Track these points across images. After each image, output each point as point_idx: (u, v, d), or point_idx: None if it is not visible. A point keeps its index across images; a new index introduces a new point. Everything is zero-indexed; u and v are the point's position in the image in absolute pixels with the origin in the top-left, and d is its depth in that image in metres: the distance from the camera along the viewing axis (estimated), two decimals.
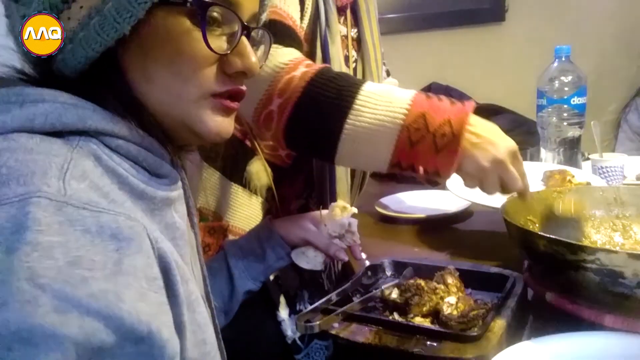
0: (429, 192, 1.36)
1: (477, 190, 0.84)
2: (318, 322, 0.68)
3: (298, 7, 0.92)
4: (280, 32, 0.85)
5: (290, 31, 0.87)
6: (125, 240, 0.41)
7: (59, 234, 0.38)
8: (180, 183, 0.56)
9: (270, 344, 0.95)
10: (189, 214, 0.61)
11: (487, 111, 2.17)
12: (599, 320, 0.66)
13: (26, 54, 0.49)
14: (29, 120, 0.44)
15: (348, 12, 1.05)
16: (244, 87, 0.55)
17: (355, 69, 1.08)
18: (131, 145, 0.48)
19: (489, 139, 0.79)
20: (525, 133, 1.89)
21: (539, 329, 0.71)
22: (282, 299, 0.98)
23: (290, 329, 0.95)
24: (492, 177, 0.79)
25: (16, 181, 0.40)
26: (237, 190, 0.99)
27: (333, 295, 0.76)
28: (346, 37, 1.05)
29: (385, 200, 1.33)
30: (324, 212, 0.88)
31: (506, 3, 2.42)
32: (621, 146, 2.34)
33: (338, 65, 0.97)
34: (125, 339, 0.40)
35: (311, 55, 0.93)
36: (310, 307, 0.73)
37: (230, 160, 0.99)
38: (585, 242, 0.87)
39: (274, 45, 0.77)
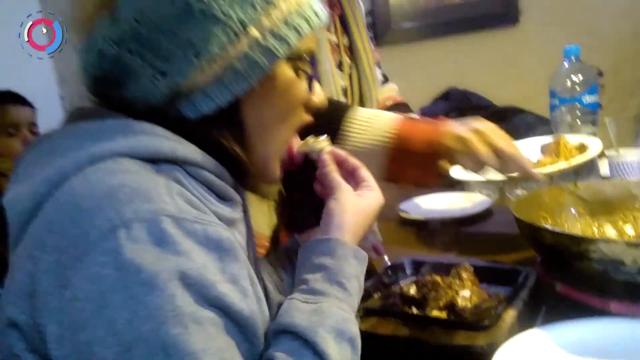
0: (447, 195, 1.41)
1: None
2: None
3: None
4: None
5: None
6: (224, 250, 0.50)
7: (186, 244, 0.48)
8: (241, 207, 0.65)
9: None
10: (248, 235, 0.69)
11: (506, 113, 2.20)
12: (605, 307, 0.70)
13: (144, 97, 0.57)
14: (132, 148, 0.52)
15: (337, 21, 1.14)
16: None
17: (350, 75, 1.16)
18: (206, 172, 0.57)
19: (457, 127, 0.88)
20: (544, 133, 1.91)
21: (551, 319, 0.75)
22: None
23: None
24: (477, 143, 0.86)
25: (139, 199, 0.48)
26: (248, 197, 1.06)
27: None
28: (338, 45, 1.13)
29: (403, 205, 1.38)
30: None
31: (519, 6, 2.44)
32: None
33: (328, 67, 1.07)
34: (233, 323, 0.50)
35: None
36: None
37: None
38: (594, 234, 0.91)
39: None
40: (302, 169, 1.07)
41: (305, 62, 0.61)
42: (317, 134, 0.84)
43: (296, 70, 0.61)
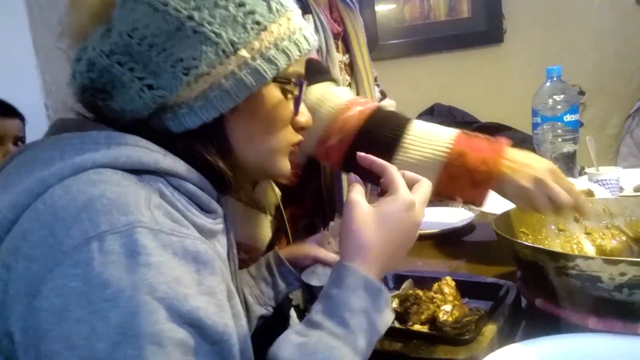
0: (432, 209, 1.42)
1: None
2: None
3: None
4: (315, 70, 0.93)
5: (320, 65, 0.98)
6: (202, 262, 0.50)
7: (160, 255, 0.47)
8: (222, 218, 0.65)
9: None
10: (229, 245, 0.70)
11: (490, 129, 2.23)
12: (583, 322, 0.71)
13: (130, 109, 0.58)
14: (115, 159, 0.53)
15: (339, 39, 1.15)
16: (302, 138, 0.69)
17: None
18: (189, 184, 0.57)
19: (526, 163, 0.87)
20: (527, 150, 1.94)
21: (530, 333, 0.76)
22: (292, 312, 1.03)
23: None
24: (538, 196, 0.86)
25: (117, 211, 0.48)
26: (245, 210, 1.06)
27: None
28: (340, 62, 1.14)
29: None
30: (330, 227, 0.93)
31: (504, 25, 2.49)
32: (624, 161, 2.33)
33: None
34: (206, 341, 0.48)
35: None
36: None
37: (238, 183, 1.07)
38: (573, 251, 0.93)
39: (326, 84, 0.92)
40: (299, 185, 1.09)
41: (293, 85, 0.63)
42: (379, 146, 0.86)
43: (284, 92, 0.62)
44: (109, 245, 0.46)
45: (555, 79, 1.36)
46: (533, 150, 1.46)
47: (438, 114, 2.43)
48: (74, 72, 0.60)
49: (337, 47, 1.14)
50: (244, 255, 1.06)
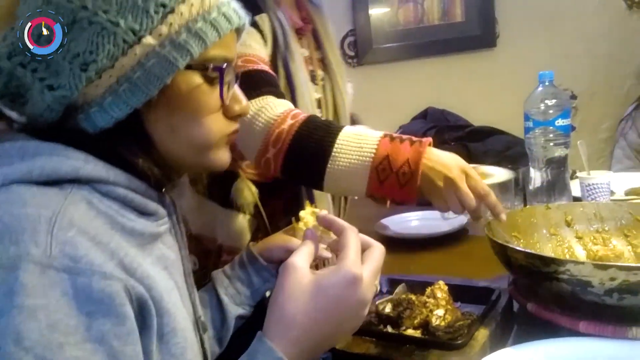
0: (426, 213, 1.43)
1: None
2: None
3: (259, 37, 1.04)
4: (260, 82, 0.98)
5: (267, 76, 1.00)
6: (96, 303, 0.46)
7: (42, 297, 0.43)
8: (166, 218, 0.62)
9: None
10: (181, 246, 0.66)
11: (482, 133, 2.25)
12: (574, 326, 0.72)
13: (39, 113, 0.53)
14: (28, 172, 0.50)
15: (310, 36, 1.20)
16: (238, 125, 0.64)
17: (324, 86, 1.22)
18: (119, 189, 0.54)
19: (442, 162, 0.89)
20: (519, 153, 1.96)
21: (522, 338, 0.77)
22: None
23: None
24: (448, 196, 0.89)
25: (9, 239, 0.45)
26: (223, 211, 1.09)
27: None
28: (311, 58, 1.19)
29: (385, 221, 1.39)
30: (301, 222, 0.87)
31: (497, 30, 2.51)
32: (618, 163, 2.34)
33: (303, 79, 1.12)
34: None
35: (275, 73, 1.07)
36: None
37: (214, 183, 1.08)
38: (564, 255, 0.93)
39: (263, 98, 0.93)
40: (276, 181, 1.09)
41: (212, 71, 0.57)
42: (310, 156, 0.90)
43: (207, 78, 0.57)
44: None
45: (547, 83, 1.37)
46: (525, 154, 1.47)
47: (431, 117, 2.44)
48: None
49: (308, 44, 1.19)
50: (227, 257, 1.06)
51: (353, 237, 0.58)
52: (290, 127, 0.93)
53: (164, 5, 0.52)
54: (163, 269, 0.58)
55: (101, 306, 0.46)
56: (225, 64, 0.58)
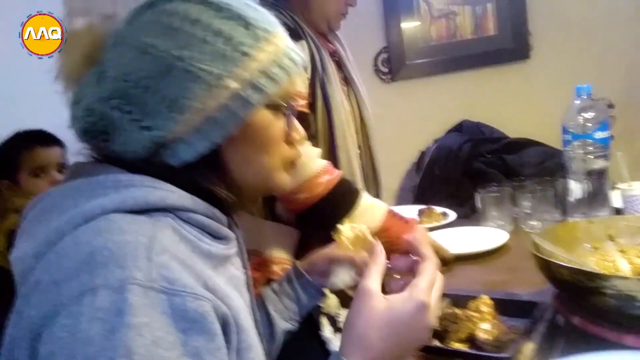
0: (463, 229, 1.44)
1: None
2: None
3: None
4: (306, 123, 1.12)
5: (302, 115, 1.12)
6: (190, 321, 0.50)
7: (146, 316, 0.48)
8: (235, 242, 0.68)
9: None
10: (244, 266, 0.72)
11: (518, 145, 2.24)
12: (621, 340, 0.73)
13: (132, 150, 0.60)
14: (122, 202, 0.55)
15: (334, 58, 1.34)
16: (299, 150, 0.72)
17: (350, 100, 1.37)
18: (198, 215, 0.60)
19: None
20: (555, 165, 1.95)
21: (569, 351, 0.78)
22: (323, 319, 1.05)
23: (337, 346, 1.01)
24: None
25: (114, 264, 0.49)
26: (270, 226, 1.18)
27: None
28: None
29: None
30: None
31: (530, 42, 2.50)
32: None
33: (339, 99, 1.27)
34: None
35: (312, 96, 1.23)
36: None
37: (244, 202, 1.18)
38: (608, 269, 0.94)
39: (310, 148, 1.12)
40: (309, 210, 1.14)
41: (283, 106, 0.65)
42: (335, 214, 1.05)
43: (275, 112, 0.64)
44: (100, 301, 0.48)
45: (584, 96, 1.37)
46: (562, 165, 1.47)
47: (466, 130, 2.44)
48: (72, 116, 0.62)
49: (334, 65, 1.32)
50: (274, 267, 1.13)
51: (430, 268, 0.64)
52: (327, 182, 1.09)
53: (247, 55, 0.59)
54: (234, 288, 0.62)
55: (195, 324, 0.50)
56: (292, 100, 0.66)
